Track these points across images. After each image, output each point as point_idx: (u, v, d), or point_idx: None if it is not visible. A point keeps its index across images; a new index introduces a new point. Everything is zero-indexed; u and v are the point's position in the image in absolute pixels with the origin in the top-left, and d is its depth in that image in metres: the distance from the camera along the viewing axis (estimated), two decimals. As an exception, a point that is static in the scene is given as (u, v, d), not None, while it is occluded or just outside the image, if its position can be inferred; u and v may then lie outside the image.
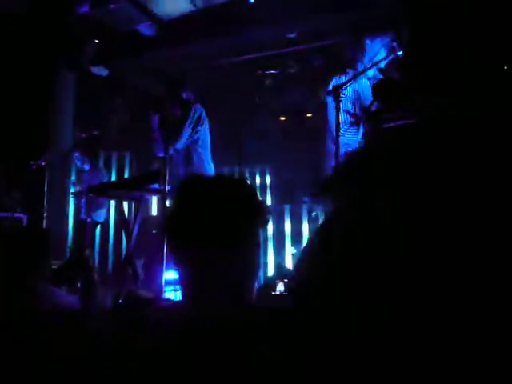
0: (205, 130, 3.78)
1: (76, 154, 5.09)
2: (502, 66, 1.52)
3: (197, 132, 3.71)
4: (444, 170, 1.08)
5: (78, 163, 5.13)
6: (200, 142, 3.77)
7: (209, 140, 3.84)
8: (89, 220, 4.97)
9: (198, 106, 3.75)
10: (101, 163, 5.88)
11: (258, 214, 1.05)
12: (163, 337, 1.04)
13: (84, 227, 4.84)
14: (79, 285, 2.62)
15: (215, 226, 1.00)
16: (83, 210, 5.16)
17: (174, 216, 1.07)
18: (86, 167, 5.20)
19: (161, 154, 3.77)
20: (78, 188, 5.20)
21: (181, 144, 3.69)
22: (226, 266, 1.02)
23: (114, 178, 7.01)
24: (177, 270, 1.08)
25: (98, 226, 6.08)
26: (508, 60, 1.51)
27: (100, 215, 5.32)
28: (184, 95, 3.79)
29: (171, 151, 3.49)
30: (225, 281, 1.03)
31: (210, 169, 3.84)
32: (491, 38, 1.53)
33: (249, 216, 1.03)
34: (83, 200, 5.12)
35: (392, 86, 1.83)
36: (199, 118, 3.72)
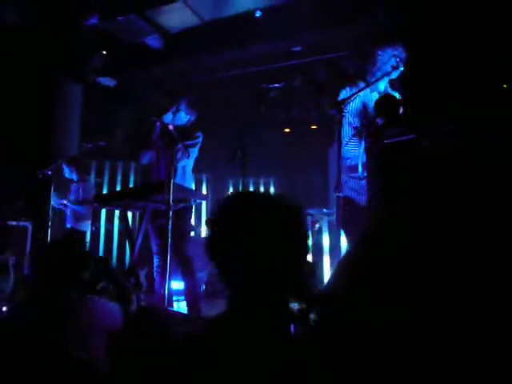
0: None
1: (64, 165, 5.11)
2: (503, 83, 1.54)
3: (189, 153, 3.84)
4: (446, 185, 1.10)
5: (66, 173, 5.16)
6: (191, 163, 3.94)
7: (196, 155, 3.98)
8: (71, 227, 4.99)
9: (201, 137, 3.89)
10: (92, 176, 5.88)
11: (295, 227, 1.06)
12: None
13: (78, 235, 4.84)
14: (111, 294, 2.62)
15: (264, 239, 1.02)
16: (68, 220, 5.17)
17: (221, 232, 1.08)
18: (74, 178, 5.22)
19: (145, 163, 3.88)
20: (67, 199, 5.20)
21: (182, 164, 3.81)
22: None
23: (119, 188, 7.06)
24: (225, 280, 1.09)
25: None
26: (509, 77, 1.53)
27: (85, 226, 5.34)
28: (184, 113, 3.86)
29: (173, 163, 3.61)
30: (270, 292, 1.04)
31: (191, 180, 4.00)
32: (492, 55, 1.56)
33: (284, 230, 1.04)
34: (68, 210, 5.14)
35: (393, 101, 1.85)
36: (198, 143, 3.87)
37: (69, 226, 5.15)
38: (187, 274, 3.69)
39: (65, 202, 5.16)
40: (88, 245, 6.59)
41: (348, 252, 1.06)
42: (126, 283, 2.66)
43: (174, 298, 4.51)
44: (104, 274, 2.63)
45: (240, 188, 3.56)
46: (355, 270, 0.98)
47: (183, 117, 3.86)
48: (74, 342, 1.81)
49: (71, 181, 5.21)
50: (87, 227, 5.40)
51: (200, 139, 3.84)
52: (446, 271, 0.87)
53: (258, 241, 1.02)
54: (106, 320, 2.08)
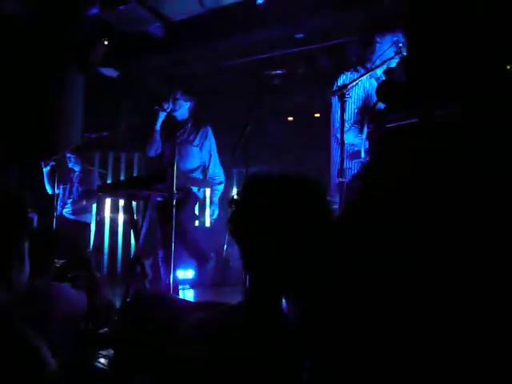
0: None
1: (68, 154, 5.10)
2: (507, 65, 1.52)
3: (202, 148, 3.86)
4: (449, 169, 1.10)
5: (70, 163, 5.15)
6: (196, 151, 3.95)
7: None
8: (75, 219, 4.99)
9: (210, 130, 3.90)
10: (95, 167, 5.88)
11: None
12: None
13: (73, 226, 4.84)
14: (81, 282, 2.67)
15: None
16: (68, 211, 5.14)
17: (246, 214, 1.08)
18: (77, 168, 5.22)
19: (152, 154, 3.89)
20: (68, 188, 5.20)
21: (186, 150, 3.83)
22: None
23: (122, 179, 7.07)
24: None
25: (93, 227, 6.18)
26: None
27: (86, 217, 5.35)
28: (181, 96, 3.88)
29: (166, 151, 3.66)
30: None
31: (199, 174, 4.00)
32: (496, 39, 1.54)
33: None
34: (70, 201, 5.12)
35: (395, 86, 1.84)
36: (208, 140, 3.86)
37: (70, 216, 5.12)
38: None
39: (64, 191, 5.14)
40: (93, 235, 6.65)
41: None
42: (96, 274, 2.70)
43: (180, 287, 4.54)
44: (79, 262, 2.68)
45: (244, 176, 3.57)
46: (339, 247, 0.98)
47: (183, 104, 3.87)
48: (36, 328, 1.83)
49: (73, 170, 5.20)
50: (90, 218, 5.41)
51: (208, 133, 3.89)
52: (442, 259, 0.87)
53: (281, 223, 1.02)
54: (68, 307, 2.12)
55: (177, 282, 3.68)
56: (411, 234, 0.84)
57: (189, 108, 3.93)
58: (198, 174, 3.97)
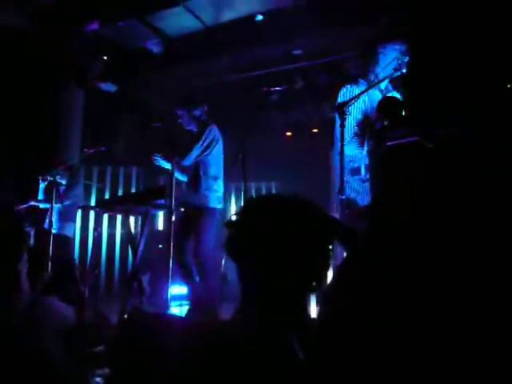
0: (218, 151, 3.87)
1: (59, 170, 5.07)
2: (507, 84, 1.53)
3: (207, 153, 3.79)
4: (450, 188, 1.09)
5: (57, 177, 5.12)
6: (209, 164, 3.84)
7: (221, 158, 3.92)
8: (55, 233, 4.92)
9: (214, 127, 3.84)
10: (81, 182, 5.83)
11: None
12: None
13: (48, 239, 4.78)
14: (68, 296, 2.67)
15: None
16: (48, 222, 5.05)
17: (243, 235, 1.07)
18: (63, 182, 5.20)
19: (187, 164, 3.85)
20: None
21: (188, 162, 3.74)
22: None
23: (120, 193, 7.05)
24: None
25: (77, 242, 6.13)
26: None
27: (69, 229, 5.29)
28: (197, 113, 3.86)
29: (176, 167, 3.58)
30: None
31: (217, 190, 3.90)
32: (496, 57, 1.55)
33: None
34: (54, 211, 5.04)
35: (396, 103, 1.84)
36: (213, 139, 3.80)
37: (49, 228, 5.01)
38: (200, 277, 3.66)
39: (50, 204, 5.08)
40: (90, 250, 6.61)
41: (347, 256, 1.04)
42: (81, 288, 2.69)
43: (177, 303, 4.49)
44: (67, 276, 2.70)
45: (242, 192, 3.55)
46: (354, 275, 0.97)
47: (197, 118, 3.86)
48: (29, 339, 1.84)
49: (60, 184, 5.17)
50: (72, 229, 5.35)
51: (205, 131, 3.80)
52: (450, 277, 0.85)
53: (278, 246, 1.01)
54: (58, 320, 2.12)
55: (174, 298, 3.64)
56: (421, 255, 0.83)
57: (198, 116, 3.89)
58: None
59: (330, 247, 1.05)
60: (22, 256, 2.43)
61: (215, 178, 3.86)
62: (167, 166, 3.67)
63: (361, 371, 0.78)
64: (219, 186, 3.89)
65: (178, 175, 3.80)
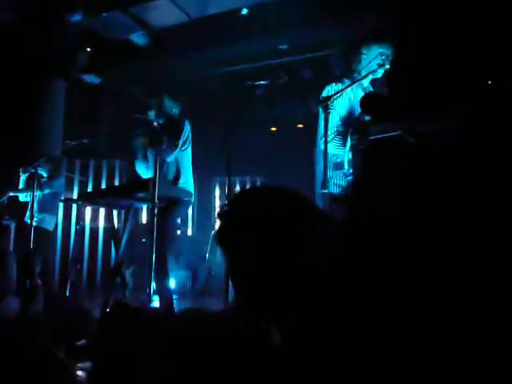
0: (190, 148, 3.90)
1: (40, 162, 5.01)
2: (488, 80, 1.55)
3: (185, 148, 3.80)
4: (431, 183, 1.10)
5: (38, 169, 5.05)
6: (186, 158, 3.87)
7: (191, 156, 3.96)
8: (35, 225, 4.85)
9: (188, 124, 3.84)
10: (63, 174, 5.75)
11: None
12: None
13: (28, 232, 4.71)
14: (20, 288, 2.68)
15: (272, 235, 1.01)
16: (29, 214, 4.98)
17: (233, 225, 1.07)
18: (44, 174, 5.14)
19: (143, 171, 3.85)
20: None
21: (172, 157, 3.74)
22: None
23: (103, 186, 6.99)
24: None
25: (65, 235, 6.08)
26: (493, 76, 1.55)
27: (49, 222, 5.23)
28: (168, 105, 3.84)
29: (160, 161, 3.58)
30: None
31: (192, 180, 3.95)
32: (479, 52, 1.57)
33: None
34: (35, 203, 4.97)
35: (378, 99, 1.86)
36: (188, 136, 3.82)
37: (28, 220, 4.93)
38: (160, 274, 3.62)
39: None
40: (72, 244, 6.54)
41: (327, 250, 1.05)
42: (36, 281, 2.70)
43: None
44: (23, 269, 2.72)
45: (226, 187, 3.55)
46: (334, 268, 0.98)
47: (168, 111, 3.83)
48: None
49: (41, 176, 5.10)
50: (52, 222, 5.29)
51: (185, 125, 3.79)
52: (427, 268, 0.87)
53: (270, 237, 1.01)
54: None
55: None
56: (400, 246, 0.84)
57: (174, 114, 3.88)
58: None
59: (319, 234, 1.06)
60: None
61: (191, 173, 3.91)
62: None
63: (342, 366, 0.79)
64: (192, 181, 3.95)
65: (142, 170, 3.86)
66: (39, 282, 2.82)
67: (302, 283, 1.03)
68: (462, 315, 0.82)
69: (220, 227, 1.09)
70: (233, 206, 1.10)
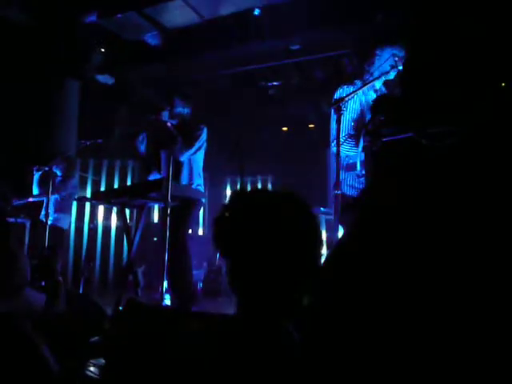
0: (203, 154, 3.96)
1: (54, 161, 5.06)
2: (502, 82, 1.55)
3: (199, 153, 3.86)
4: (443, 184, 1.11)
5: (53, 167, 5.11)
6: (199, 161, 3.92)
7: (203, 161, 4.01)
8: (50, 224, 4.91)
9: (206, 131, 3.89)
10: (76, 174, 5.82)
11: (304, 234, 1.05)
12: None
13: (43, 230, 4.77)
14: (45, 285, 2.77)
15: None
16: (44, 213, 5.04)
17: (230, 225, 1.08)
18: (58, 173, 5.20)
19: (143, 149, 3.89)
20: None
21: (185, 157, 3.78)
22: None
23: (116, 186, 7.05)
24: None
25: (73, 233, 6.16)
26: (507, 78, 1.54)
27: (64, 221, 5.30)
28: (180, 109, 3.87)
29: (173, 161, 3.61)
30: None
31: (203, 182, 4.02)
32: (492, 54, 1.57)
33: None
34: (51, 203, 5.03)
35: (391, 101, 1.86)
36: (204, 142, 3.87)
37: (43, 219, 5.00)
38: (178, 271, 3.67)
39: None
40: (85, 242, 6.61)
41: (337, 244, 1.06)
42: (58, 278, 2.76)
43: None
44: (46, 266, 2.79)
45: (238, 186, 3.58)
46: (343, 264, 0.99)
47: (181, 112, 3.87)
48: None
49: (55, 175, 5.17)
50: (67, 221, 5.36)
51: (203, 131, 3.84)
52: (435, 267, 0.88)
53: (264, 239, 1.02)
54: (26, 307, 2.25)
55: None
56: (413, 247, 0.85)
57: (187, 114, 3.92)
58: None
59: (317, 239, 1.06)
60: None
61: (201, 175, 3.96)
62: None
63: (357, 357, 0.80)
64: (203, 182, 4.02)
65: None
66: (61, 279, 2.87)
67: (309, 282, 1.04)
68: (462, 315, 0.83)
69: (217, 232, 1.10)
70: (229, 210, 1.11)
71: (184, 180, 3.81)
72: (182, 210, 3.61)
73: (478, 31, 1.54)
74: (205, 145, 3.90)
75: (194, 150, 3.78)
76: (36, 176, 5.24)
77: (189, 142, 3.73)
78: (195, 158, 3.86)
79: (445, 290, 0.81)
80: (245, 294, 1.06)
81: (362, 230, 0.90)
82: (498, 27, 1.60)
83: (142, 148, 3.96)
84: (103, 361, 2.52)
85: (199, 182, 3.91)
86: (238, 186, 3.46)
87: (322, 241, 1.07)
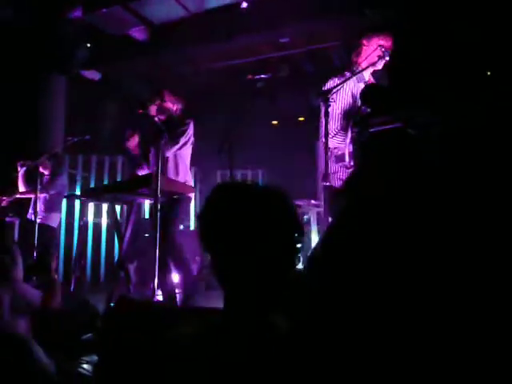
0: (190, 149, 3.94)
1: (42, 159, 5.01)
2: (486, 73, 1.55)
3: (185, 148, 3.83)
4: (430, 173, 1.11)
5: (41, 168, 5.06)
6: (186, 157, 3.91)
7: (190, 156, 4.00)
8: (39, 222, 4.88)
9: (192, 126, 3.86)
10: (65, 171, 5.77)
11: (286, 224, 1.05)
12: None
13: (32, 229, 4.74)
14: (40, 282, 2.83)
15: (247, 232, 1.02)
16: (32, 212, 5.01)
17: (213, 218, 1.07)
18: (46, 172, 5.15)
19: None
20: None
21: (170, 153, 3.76)
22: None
23: (106, 182, 7.00)
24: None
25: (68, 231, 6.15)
26: (493, 66, 1.55)
27: (53, 219, 5.26)
28: (169, 105, 3.85)
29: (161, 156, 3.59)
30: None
31: (191, 176, 4.04)
32: (479, 44, 1.57)
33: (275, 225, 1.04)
34: (39, 201, 5.00)
35: (379, 91, 1.86)
36: (190, 137, 3.85)
37: (32, 218, 4.96)
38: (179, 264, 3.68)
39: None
40: (76, 239, 6.57)
41: (324, 235, 1.06)
42: (54, 276, 2.82)
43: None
44: (39, 265, 2.89)
45: (227, 180, 3.57)
46: (330, 254, 0.99)
47: (170, 107, 3.85)
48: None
49: (42, 174, 5.12)
50: (56, 219, 5.32)
51: (189, 126, 3.82)
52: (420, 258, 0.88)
53: (245, 232, 1.02)
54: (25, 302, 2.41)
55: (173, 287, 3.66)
56: (400, 237, 0.86)
57: (177, 110, 3.90)
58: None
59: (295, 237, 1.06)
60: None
61: (189, 170, 3.95)
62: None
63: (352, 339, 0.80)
64: (191, 176, 4.02)
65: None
66: (56, 277, 2.90)
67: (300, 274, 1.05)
68: (462, 314, 0.83)
69: (199, 228, 1.10)
70: (205, 206, 1.11)
71: (170, 175, 3.79)
72: (171, 205, 3.60)
73: (465, 20, 1.54)
74: (192, 139, 3.88)
75: (179, 145, 3.75)
76: (21, 171, 5.18)
77: (174, 138, 3.70)
78: (181, 153, 3.84)
79: (436, 282, 0.81)
80: (229, 287, 1.06)
81: (348, 220, 0.90)
82: (485, 15, 1.61)
83: (130, 143, 3.95)
84: (96, 357, 2.52)
85: (185, 176, 3.91)
86: (227, 180, 3.45)
87: (302, 231, 1.07)
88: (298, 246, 1.05)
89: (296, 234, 1.05)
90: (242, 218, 1.02)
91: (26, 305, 2.41)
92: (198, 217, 1.10)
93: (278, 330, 0.98)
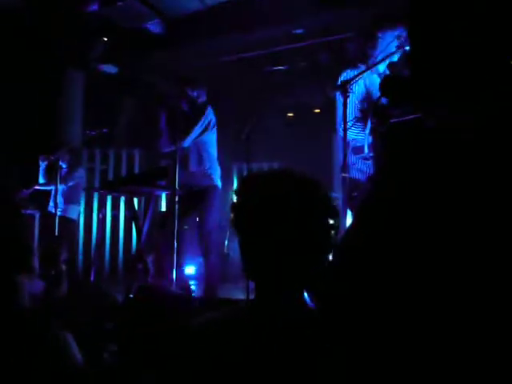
0: (214, 133, 3.89)
1: (60, 152, 5.08)
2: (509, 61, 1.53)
3: (206, 134, 3.79)
4: (448, 165, 1.10)
5: (60, 160, 5.13)
6: (210, 143, 3.87)
7: (216, 141, 3.96)
8: (60, 215, 4.94)
9: (211, 110, 3.84)
10: (82, 164, 5.83)
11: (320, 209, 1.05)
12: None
13: (53, 221, 4.81)
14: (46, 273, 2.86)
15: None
16: (52, 204, 5.08)
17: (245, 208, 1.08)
18: (63, 165, 5.22)
19: (165, 150, 3.84)
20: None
21: (187, 142, 3.74)
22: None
23: (124, 175, 7.07)
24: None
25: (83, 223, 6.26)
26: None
27: (73, 212, 5.33)
28: (195, 94, 3.84)
29: (178, 148, 3.57)
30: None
31: (217, 168, 3.96)
32: (502, 33, 1.54)
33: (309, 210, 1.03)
34: (59, 194, 5.06)
35: (399, 82, 1.85)
36: (210, 121, 3.81)
37: (53, 210, 5.04)
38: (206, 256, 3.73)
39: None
40: (95, 231, 6.65)
41: (348, 227, 1.06)
42: (60, 267, 2.84)
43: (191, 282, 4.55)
44: (48, 255, 2.90)
45: (245, 173, 3.58)
46: (354, 246, 0.99)
47: (194, 98, 3.84)
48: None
49: (61, 167, 5.19)
50: (76, 212, 5.40)
51: (206, 113, 3.79)
52: (437, 250, 0.88)
53: (280, 218, 1.01)
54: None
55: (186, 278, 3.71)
56: (419, 230, 0.86)
57: (201, 102, 3.88)
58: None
59: (331, 222, 1.06)
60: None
61: (215, 158, 3.91)
62: None
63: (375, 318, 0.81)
64: (218, 165, 3.95)
65: None
66: (64, 268, 2.93)
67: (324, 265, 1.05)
68: (462, 314, 0.83)
69: (234, 212, 1.10)
70: (243, 192, 1.11)
71: (193, 167, 3.79)
72: (191, 198, 3.62)
73: (489, 9, 1.51)
74: (212, 123, 3.83)
75: (196, 134, 3.74)
76: (42, 166, 5.27)
77: (188, 128, 3.69)
78: (203, 140, 3.81)
79: (452, 284, 0.81)
80: (263, 274, 1.05)
81: (369, 219, 0.91)
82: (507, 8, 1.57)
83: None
84: (115, 346, 2.56)
85: (211, 165, 3.86)
86: (246, 174, 3.46)
87: (334, 213, 1.06)
88: (332, 232, 1.05)
89: (331, 221, 1.05)
90: (277, 204, 1.02)
91: (28, 294, 2.44)
92: (233, 207, 1.10)
93: (310, 310, 0.99)
